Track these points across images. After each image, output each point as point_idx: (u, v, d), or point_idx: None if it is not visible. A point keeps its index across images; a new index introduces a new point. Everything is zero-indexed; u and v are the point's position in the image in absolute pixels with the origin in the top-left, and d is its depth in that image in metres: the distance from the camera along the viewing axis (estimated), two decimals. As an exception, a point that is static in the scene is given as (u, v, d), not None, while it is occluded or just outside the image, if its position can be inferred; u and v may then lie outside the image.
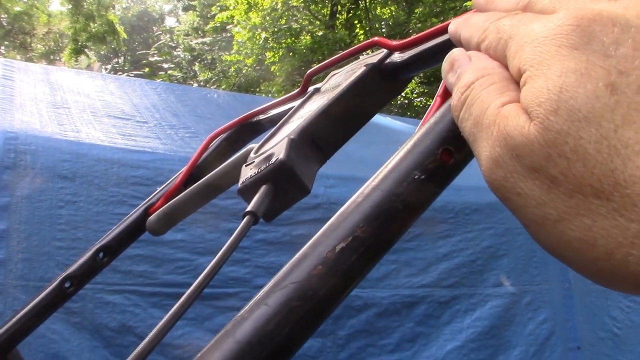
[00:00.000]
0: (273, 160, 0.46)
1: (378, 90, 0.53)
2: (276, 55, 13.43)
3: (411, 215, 0.29)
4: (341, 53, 0.60)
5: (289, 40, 13.07)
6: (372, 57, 0.55)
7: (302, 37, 13.16)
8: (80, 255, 0.74)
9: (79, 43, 16.28)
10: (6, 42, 19.71)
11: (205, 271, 0.37)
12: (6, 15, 18.48)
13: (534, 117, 0.25)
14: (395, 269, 2.42)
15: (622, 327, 2.72)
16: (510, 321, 2.61)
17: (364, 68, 0.53)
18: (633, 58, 0.24)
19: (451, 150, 0.30)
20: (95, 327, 1.94)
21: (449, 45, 0.44)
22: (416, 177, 0.29)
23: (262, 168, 0.46)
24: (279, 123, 0.57)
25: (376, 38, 0.54)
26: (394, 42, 0.52)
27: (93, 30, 15.92)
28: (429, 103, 10.84)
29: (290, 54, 12.94)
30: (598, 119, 0.23)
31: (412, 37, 0.49)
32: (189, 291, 0.35)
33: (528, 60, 0.26)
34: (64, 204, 1.95)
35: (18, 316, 0.69)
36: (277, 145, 0.48)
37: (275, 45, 13.37)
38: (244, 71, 14.99)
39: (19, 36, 19.88)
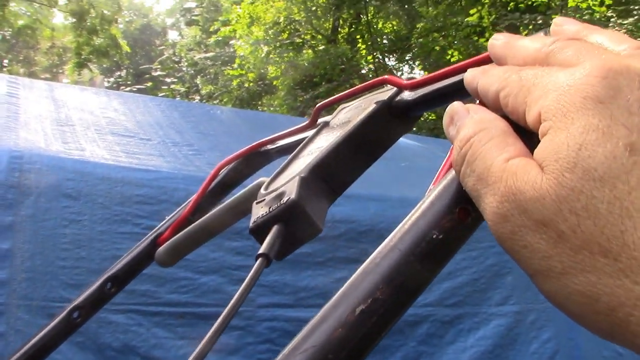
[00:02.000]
0: (284, 199, 0.46)
1: (388, 128, 0.53)
2: (278, 70, 13.48)
3: (429, 274, 0.29)
4: (351, 89, 0.60)
5: (291, 54, 13.13)
6: (382, 94, 0.55)
7: (304, 52, 13.21)
8: (88, 285, 0.74)
9: (82, 57, 16.36)
10: (10, 56, 19.80)
11: (221, 317, 0.37)
12: (10, 30, 18.58)
13: (548, 171, 0.25)
14: (398, 288, 2.41)
15: (626, 346, 2.70)
16: (514, 340, 2.59)
17: (374, 105, 0.53)
18: None
19: (468, 208, 0.30)
20: (98, 346, 1.93)
21: (460, 87, 0.44)
22: (434, 236, 0.29)
23: (273, 207, 0.46)
24: (289, 158, 0.57)
25: (386, 76, 0.54)
26: (405, 81, 0.52)
27: (96, 44, 16.01)
28: (430, 118, 10.85)
29: (292, 68, 12.99)
30: (613, 180, 0.23)
31: (423, 76, 0.49)
32: (205, 339, 0.35)
33: (552, 108, 0.26)
34: (68, 223, 1.95)
35: (26, 347, 0.69)
36: (288, 184, 0.48)
37: (277, 59, 13.43)
38: (246, 85, 15.04)
39: (22, 50, 19.98)
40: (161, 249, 0.69)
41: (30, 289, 1.83)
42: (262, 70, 14.37)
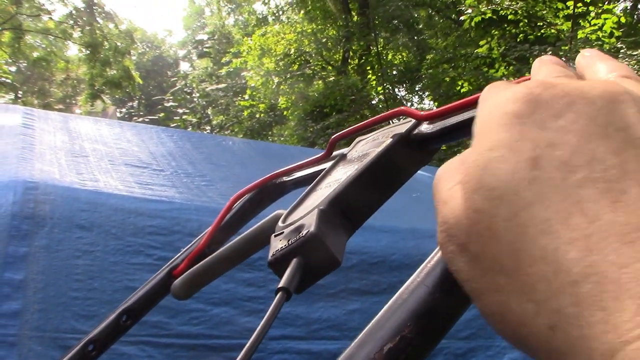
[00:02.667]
0: (303, 232, 0.45)
1: (405, 161, 0.52)
2: (289, 100, 13.59)
3: (457, 310, 0.29)
4: (366, 120, 0.60)
5: (301, 85, 13.24)
6: (399, 127, 0.54)
7: (314, 83, 13.32)
8: (104, 318, 0.74)
9: (95, 88, 16.61)
10: (25, 88, 20.11)
11: (243, 352, 0.37)
12: (25, 62, 18.89)
13: (461, 195, 0.25)
14: (411, 320, 2.38)
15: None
16: (529, 374, 2.55)
17: (392, 138, 0.52)
18: (567, 131, 0.23)
19: None
20: (109, 379, 1.91)
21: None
22: None
23: (292, 240, 0.46)
24: (306, 190, 0.57)
25: (403, 107, 0.54)
26: (421, 112, 0.52)
27: (109, 75, 16.26)
28: (440, 148, 10.86)
29: (303, 99, 13.09)
30: (511, 196, 0.23)
31: (440, 108, 0.49)
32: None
33: (478, 128, 0.26)
34: (81, 254, 1.95)
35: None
36: (306, 216, 0.48)
37: (288, 90, 13.55)
38: (257, 115, 15.16)
39: (37, 82, 20.29)
40: (177, 281, 0.69)
41: (42, 320, 1.82)
42: (273, 101, 14.50)
